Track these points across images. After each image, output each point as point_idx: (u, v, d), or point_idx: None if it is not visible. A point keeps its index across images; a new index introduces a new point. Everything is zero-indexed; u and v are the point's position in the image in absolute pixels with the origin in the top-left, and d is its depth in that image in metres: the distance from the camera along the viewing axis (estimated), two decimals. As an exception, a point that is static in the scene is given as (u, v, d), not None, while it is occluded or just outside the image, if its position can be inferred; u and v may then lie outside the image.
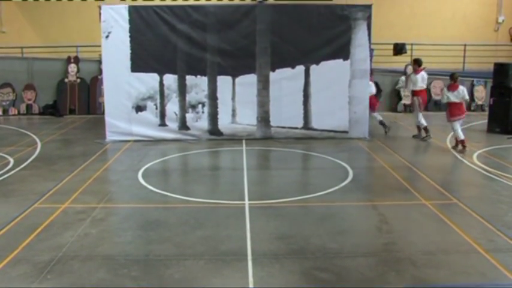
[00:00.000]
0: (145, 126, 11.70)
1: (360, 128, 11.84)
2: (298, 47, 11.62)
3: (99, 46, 11.83)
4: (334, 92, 11.70)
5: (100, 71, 15.23)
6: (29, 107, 16.69)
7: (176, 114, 11.83)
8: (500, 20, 19.26)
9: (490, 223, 6.24)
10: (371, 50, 12.01)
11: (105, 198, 7.39)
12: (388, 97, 17.01)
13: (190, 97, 11.80)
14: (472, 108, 16.98)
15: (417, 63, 11.90)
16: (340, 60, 11.64)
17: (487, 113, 13.86)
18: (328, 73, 11.65)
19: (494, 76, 13.13)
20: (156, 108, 11.75)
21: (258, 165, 9.95)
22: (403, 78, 16.87)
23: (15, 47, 17.55)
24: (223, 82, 11.75)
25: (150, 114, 11.73)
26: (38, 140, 11.85)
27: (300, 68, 11.75)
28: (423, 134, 11.76)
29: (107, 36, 11.39)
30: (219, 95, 11.80)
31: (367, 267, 5.09)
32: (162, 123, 11.83)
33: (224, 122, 11.91)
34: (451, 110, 10.57)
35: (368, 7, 11.60)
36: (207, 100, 11.81)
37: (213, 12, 11.59)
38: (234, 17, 11.64)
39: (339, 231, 6.08)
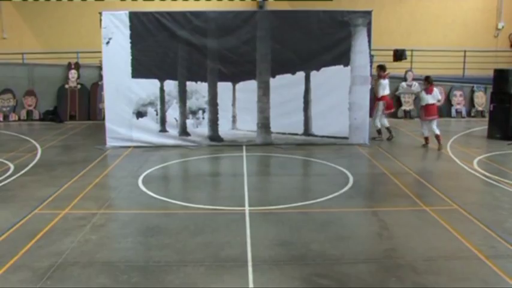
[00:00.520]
0: (145, 132, 11.71)
1: (360, 134, 11.85)
2: (299, 53, 11.65)
3: (100, 52, 11.85)
4: (334, 98, 11.72)
5: (100, 77, 15.26)
6: (29, 113, 16.73)
7: (176, 120, 11.84)
8: (500, 26, 19.28)
9: (491, 229, 6.24)
10: (371, 56, 12.03)
11: (106, 204, 7.39)
12: (388, 103, 17.01)
13: (191, 103, 11.82)
14: (472, 114, 17.04)
15: (382, 68, 12.60)
16: (341, 67, 11.66)
17: (487, 119, 13.91)
18: (328, 79, 11.67)
19: (494, 82, 13.14)
20: (157, 114, 11.76)
21: (259, 171, 9.94)
22: (403, 84, 16.96)
23: (16, 53, 17.61)
24: (224, 88, 11.77)
25: (151, 120, 11.74)
26: (38, 146, 11.85)
27: (300, 74, 11.76)
28: (385, 135, 12.51)
29: (108, 42, 11.41)
30: (219, 101, 11.81)
31: (367, 273, 5.08)
32: (163, 129, 11.83)
33: (224, 128, 11.91)
34: (428, 110, 11.43)
35: (368, 13, 11.63)
36: (207, 106, 11.82)
37: (214, 19, 11.61)
38: (235, 23, 11.66)
39: (339, 237, 6.07)
